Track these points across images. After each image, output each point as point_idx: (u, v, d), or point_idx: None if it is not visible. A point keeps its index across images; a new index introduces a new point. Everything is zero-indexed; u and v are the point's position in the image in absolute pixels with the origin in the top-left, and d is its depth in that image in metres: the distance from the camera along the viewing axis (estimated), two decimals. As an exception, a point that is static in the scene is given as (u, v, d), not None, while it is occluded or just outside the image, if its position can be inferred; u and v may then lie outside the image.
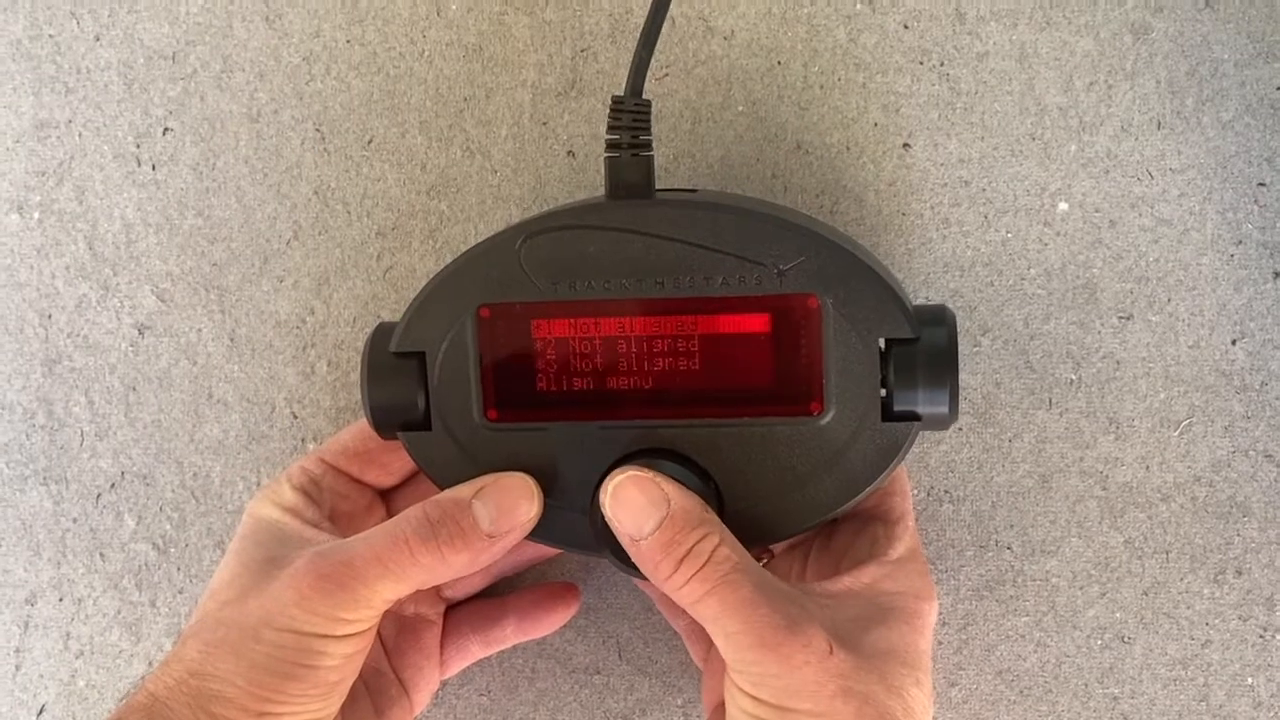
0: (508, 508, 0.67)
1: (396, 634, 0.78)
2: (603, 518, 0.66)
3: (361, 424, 0.76)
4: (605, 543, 0.66)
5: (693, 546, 0.63)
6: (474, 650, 0.80)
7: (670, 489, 0.64)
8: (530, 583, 0.83)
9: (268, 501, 0.73)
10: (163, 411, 0.83)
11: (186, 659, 0.67)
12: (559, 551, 0.80)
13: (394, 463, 0.77)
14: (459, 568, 0.67)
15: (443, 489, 0.71)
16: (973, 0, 0.77)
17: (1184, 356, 0.78)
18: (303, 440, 0.83)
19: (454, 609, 0.81)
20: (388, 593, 0.66)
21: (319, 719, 0.68)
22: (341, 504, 0.75)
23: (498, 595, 0.81)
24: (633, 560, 0.65)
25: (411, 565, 0.66)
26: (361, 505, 0.76)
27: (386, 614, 0.77)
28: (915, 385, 0.66)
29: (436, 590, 0.79)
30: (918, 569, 0.70)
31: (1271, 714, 0.79)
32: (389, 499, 0.78)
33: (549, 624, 0.81)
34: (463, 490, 0.68)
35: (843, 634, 0.63)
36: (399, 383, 0.69)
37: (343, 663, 0.67)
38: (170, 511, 0.84)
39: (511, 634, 0.80)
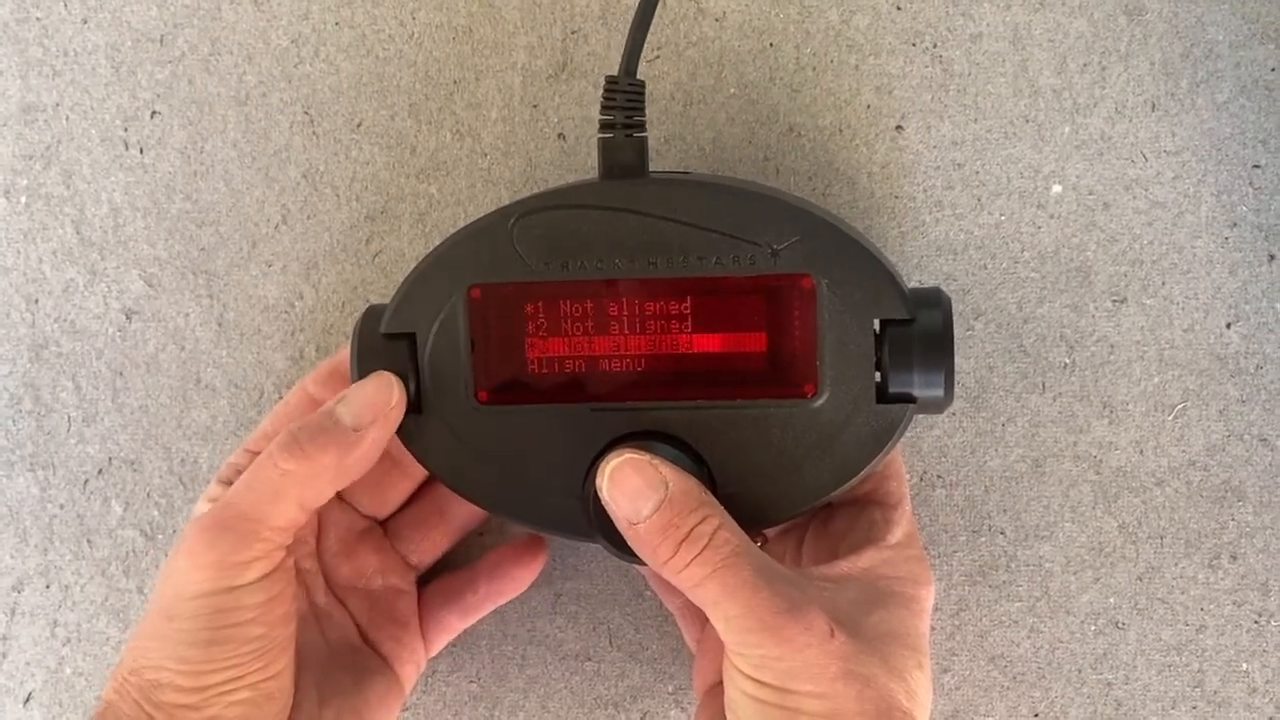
0: (369, 401, 0.67)
1: (368, 608, 0.77)
2: (598, 501, 0.65)
3: (279, 408, 0.76)
4: (599, 527, 0.66)
5: (692, 529, 0.62)
6: (452, 622, 0.80)
7: (667, 471, 0.64)
8: (497, 543, 0.83)
9: (201, 501, 0.73)
10: (150, 397, 0.83)
11: (125, 660, 0.67)
12: None
13: None
14: (331, 466, 0.66)
15: (434, 474, 0.71)
16: (966, -19, 0.77)
17: (1178, 340, 0.77)
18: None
19: (427, 585, 0.81)
20: (274, 519, 0.66)
21: (264, 680, 0.67)
22: None
23: (466, 565, 0.81)
24: (630, 544, 0.65)
25: (282, 479, 0.66)
26: None
27: (355, 590, 0.77)
28: (910, 367, 0.66)
29: (401, 558, 0.79)
30: (915, 554, 0.70)
31: (1266, 699, 0.79)
32: None
33: (518, 581, 0.81)
34: (327, 403, 0.68)
35: (843, 618, 0.63)
36: (389, 365, 0.69)
37: (260, 613, 0.66)
38: (158, 498, 0.83)
39: (484, 597, 0.80)
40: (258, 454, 0.72)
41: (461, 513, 0.80)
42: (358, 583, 0.77)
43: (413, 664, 0.78)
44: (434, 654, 0.80)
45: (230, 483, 0.72)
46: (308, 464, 0.66)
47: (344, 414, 0.67)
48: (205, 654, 0.65)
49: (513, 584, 0.80)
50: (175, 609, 0.65)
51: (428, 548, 0.80)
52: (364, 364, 0.69)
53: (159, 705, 0.65)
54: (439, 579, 0.81)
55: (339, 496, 0.77)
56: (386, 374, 0.68)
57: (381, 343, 0.69)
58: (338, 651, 0.75)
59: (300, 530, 0.69)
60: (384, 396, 0.67)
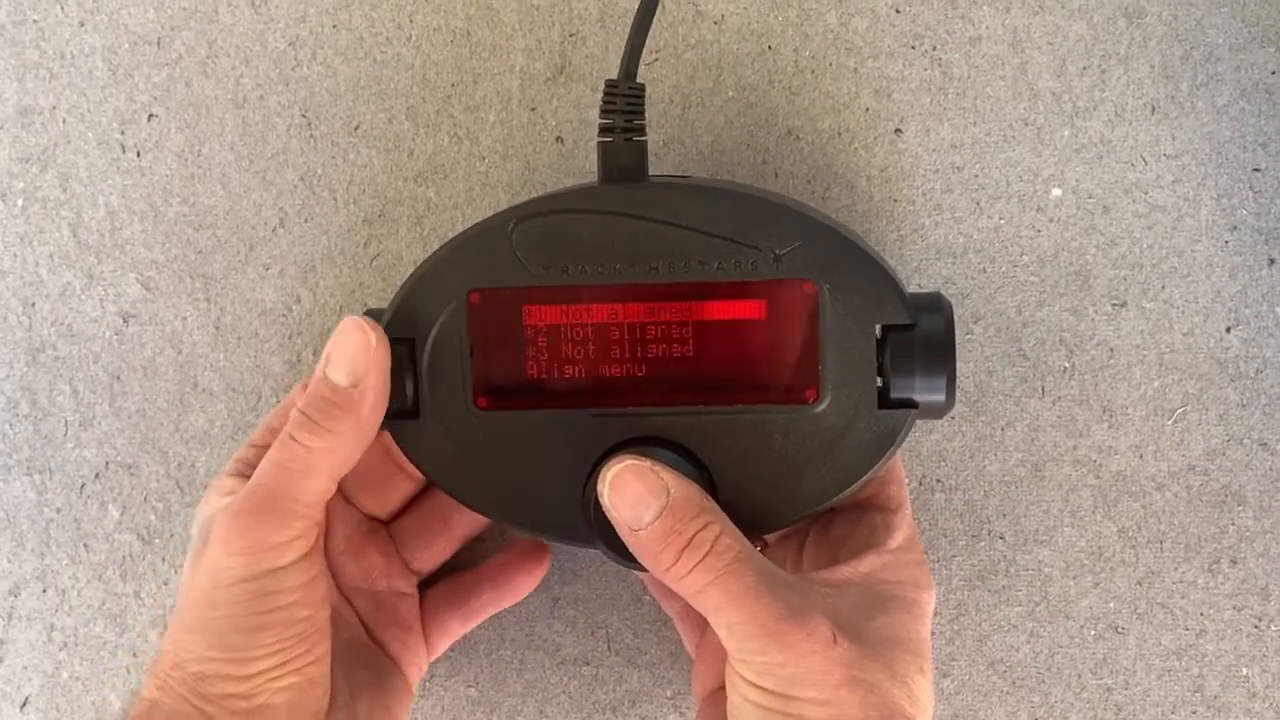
0: (349, 351, 0.66)
1: (372, 610, 0.77)
2: (598, 508, 0.65)
3: (286, 400, 0.76)
4: (600, 533, 0.66)
5: (694, 536, 0.62)
6: (454, 626, 0.80)
7: (669, 477, 0.64)
8: (499, 548, 0.82)
9: (209, 498, 0.73)
10: (147, 401, 0.83)
11: (165, 655, 0.66)
12: None
13: None
14: (350, 434, 0.66)
15: (433, 480, 0.70)
16: (966, -16, 0.77)
17: (1178, 344, 0.77)
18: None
19: (429, 588, 0.80)
20: (306, 495, 0.66)
21: (308, 665, 0.67)
22: None
23: (469, 569, 0.81)
24: (631, 551, 0.64)
25: (308, 455, 0.65)
26: None
27: (359, 591, 0.77)
28: (912, 373, 0.66)
29: (403, 562, 0.79)
30: (916, 558, 0.70)
31: (1267, 704, 0.79)
32: None
33: (522, 586, 0.80)
34: (317, 370, 0.67)
35: (845, 623, 0.62)
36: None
37: (303, 595, 0.66)
38: (155, 502, 0.83)
39: (487, 602, 0.80)
40: (265, 448, 0.72)
41: (465, 521, 0.80)
42: (363, 583, 0.77)
43: (416, 666, 0.78)
44: (435, 657, 0.79)
45: (242, 475, 0.72)
46: (330, 436, 0.65)
47: (337, 376, 0.66)
48: (252, 639, 0.65)
49: (516, 589, 0.80)
50: (217, 597, 0.65)
51: (430, 555, 0.80)
52: None
53: (207, 697, 0.65)
54: (441, 582, 0.81)
55: (343, 497, 0.77)
56: (353, 318, 0.67)
57: None
58: (352, 648, 0.75)
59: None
60: (362, 341, 0.66)
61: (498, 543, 0.82)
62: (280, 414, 0.75)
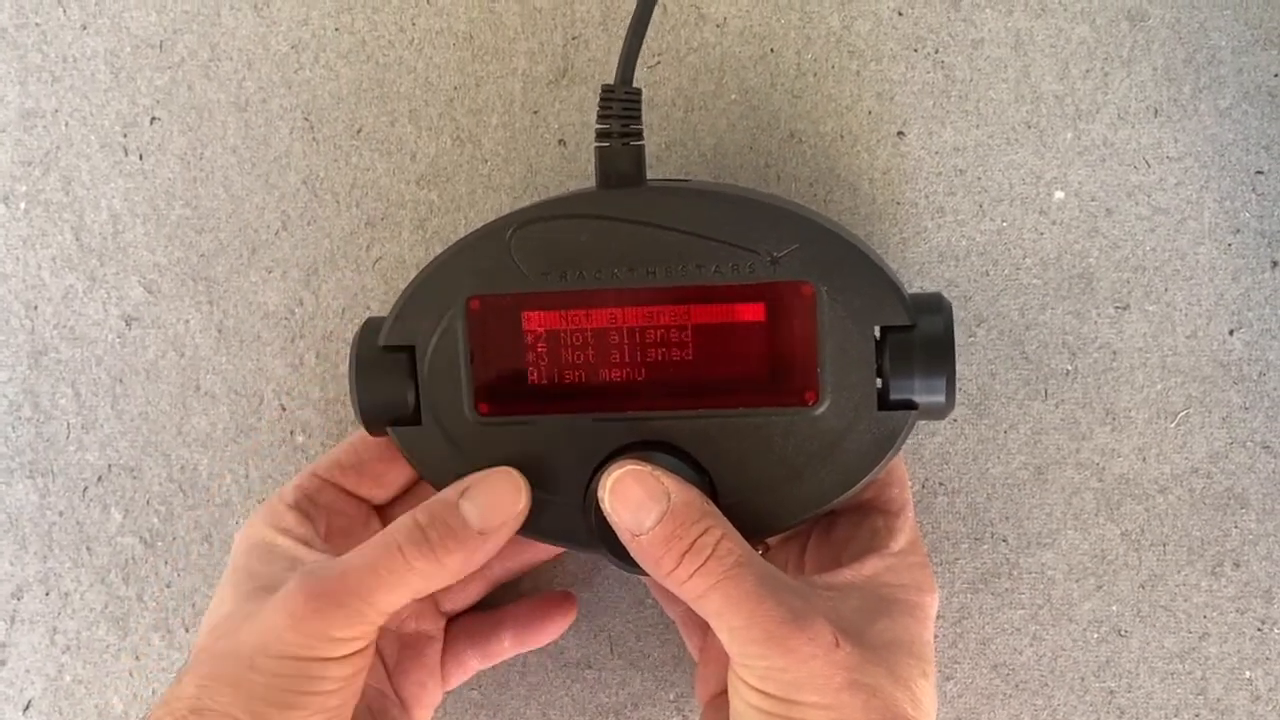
0: (495, 503, 0.66)
1: (399, 652, 0.77)
2: (599, 513, 0.65)
3: (354, 437, 0.75)
4: (602, 538, 0.66)
5: (695, 540, 0.62)
6: (472, 664, 0.79)
7: (670, 482, 0.64)
8: (527, 590, 0.82)
9: (262, 523, 0.71)
10: (150, 404, 0.83)
11: (186, 696, 0.64)
12: (556, 555, 0.80)
13: (387, 475, 0.75)
14: (454, 569, 0.65)
15: (433, 484, 0.70)
16: (968, -13, 0.77)
17: (1181, 347, 0.77)
18: (291, 433, 0.82)
19: (451, 623, 0.80)
20: (384, 605, 0.64)
21: None
22: (337, 520, 0.74)
23: (494, 607, 0.81)
24: (632, 556, 0.64)
25: (408, 572, 0.64)
26: (358, 521, 0.75)
27: (386, 633, 0.76)
28: (912, 374, 0.66)
29: (435, 603, 0.79)
30: (918, 561, 0.70)
31: (1270, 707, 0.79)
32: (384, 514, 0.77)
33: (546, 634, 0.80)
34: (449, 492, 0.66)
35: (847, 626, 0.62)
36: (388, 378, 0.69)
37: (343, 685, 0.65)
38: (158, 505, 0.83)
39: (509, 645, 0.79)
40: (328, 481, 0.72)
41: (501, 564, 0.79)
42: (392, 625, 0.77)
43: (429, 707, 0.77)
44: (449, 689, 0.79)
45: (296, 506, 0.71)
46: (435, 565, 0.64)
47: (470, 514, 0.65)
48: (280, 715, 0.63)
49: (540, 634, 0.80)
50: (261, 663, 0.63)
51: (462, 597, 0.79)
52: (362, 377, 0.69)
53: None
54: (464, 618, 0.80)
55: None
56: (514, 475, 0.67)
57: (380, 355, 0.69)
58: (370, 698, 0.74)
59: None
60: (512, 502, 0.66)
61: (529, 582, 0.83)
62: (348, 450, 0.75)
